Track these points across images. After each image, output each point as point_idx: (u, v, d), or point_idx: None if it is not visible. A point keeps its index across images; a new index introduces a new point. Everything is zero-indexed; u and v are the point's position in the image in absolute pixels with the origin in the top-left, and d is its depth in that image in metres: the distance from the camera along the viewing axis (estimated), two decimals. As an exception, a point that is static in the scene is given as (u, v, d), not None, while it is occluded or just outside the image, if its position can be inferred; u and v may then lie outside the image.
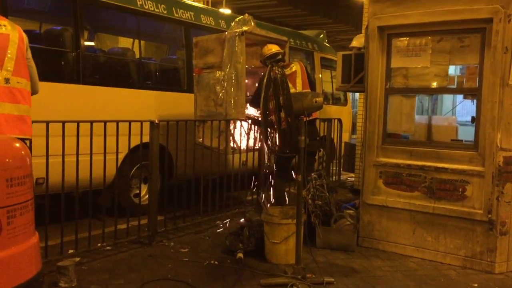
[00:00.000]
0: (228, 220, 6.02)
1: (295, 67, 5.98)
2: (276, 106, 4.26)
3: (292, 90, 5.32)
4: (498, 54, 4.41)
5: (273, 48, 5.96)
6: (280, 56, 5.88)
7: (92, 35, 6.97)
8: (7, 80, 2.93)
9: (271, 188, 5.90)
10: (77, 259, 4.40)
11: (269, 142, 5.71)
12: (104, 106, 5.85)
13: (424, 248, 4.87)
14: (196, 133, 6.12)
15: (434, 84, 4.98)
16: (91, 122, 4.53)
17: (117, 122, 4.78)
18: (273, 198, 5.91)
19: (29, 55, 3.19)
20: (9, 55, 2.93)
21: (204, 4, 11.62)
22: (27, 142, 3.15)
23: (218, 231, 5.64)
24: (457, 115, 5.89)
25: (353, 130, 11.53)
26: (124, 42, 7.98)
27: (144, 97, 6.47)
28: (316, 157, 6.57)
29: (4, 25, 2.99)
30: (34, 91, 3.36)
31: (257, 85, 6.03)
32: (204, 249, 4.98)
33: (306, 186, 5.13)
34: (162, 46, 8.59)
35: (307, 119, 4.25)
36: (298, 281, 3.98)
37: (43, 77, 5.41)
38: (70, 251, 4.48)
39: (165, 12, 6.88)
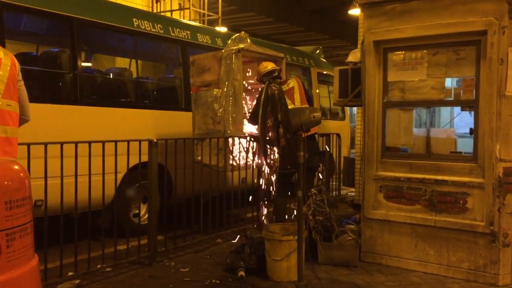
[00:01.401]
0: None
1: (292, 83, 6.00)
2: (275, 122, 4.27)
3: (290, 106, 5.33)
4: (493, 66, 4.43)
5: (269, 66, 5.99)
6: (276, 73, 5.91)
7: (89, 56, 7.01)
8: None
9: (272, 205, 5.87)
10: (77, 281, 4.36)
11: (268, 159, 5.71)
12: (102, 126, 5.85)
13: (427, 262, 4.84)
14: (195, 151, 6.12)
15: (431, 97, 4.99)
16: (89, 143, 4.53)
17: (116, 142, 4.77)
18: (273, 214, 5.89)
19: (20, 77, 3.22)
20: (0, 79, 2.99)
21: (200, 22, 11.70)
22: None
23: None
24: (455, 127, 5.90)
25: (352, 145, 11.54)
26: (121, 62, 8.02)
27: (142, 116, 6.48)
28: (316, 172, 6.55)
29: None
30: (25, 117, 3.31)
31: (255, 102, 6.04)
32: (205, 268, 4.94)
33: (306, 202, 5.11)
34: (159, 65, 8.64)
35: (306, 134, 4.25)
36: (301, 299, 3.94)
37: (41, 99, 5.50)
38: (70, 274, 4.45)
39: (162, 31, 6.93)
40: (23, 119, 3.27)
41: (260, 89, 5.91)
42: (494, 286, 4.46)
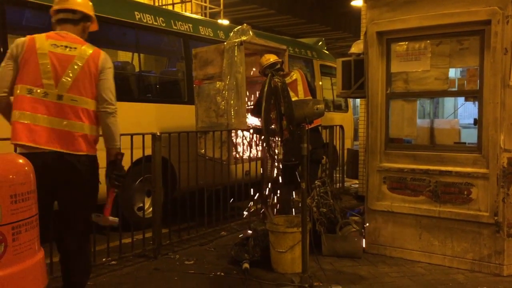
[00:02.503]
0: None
1: (295, 75, 5.99)
2: (278, 114, 4.26)
3: (294, 98, 5.33)
4: (498, 56, 4.41)
5: (271, 58, 5.98)
6: (278, 65, 5.90)
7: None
8: (60, 97, 3.08)
9: (276, 197, 5.88)
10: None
11: (272, 151, 5.71)
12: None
13: (431, 253, 4.84)
14: (198, 144, 6.12)
15: (435, 88, 4.97)
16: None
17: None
18: (278, 206, 5.89)
19: (104, 72, 3.31)
20: (66, 75, 3.10)
21: (202, 15, 11.68)
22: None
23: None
24: (459, 118, 5.88)
25: (355, 137, 11.52)
26: (124, 56, 8.01)
27: (145, 110, 6.48)
28: (320, 164, 6.54)
29: (74, 48, 3.17)
30: (102, 109, 3.30)
31: (258, 94, 6.04)
32: (210, 260, 4.95)
33: (310, 194, 5.11)
34: (161, 58, 8.63)
35: (309, 126, 4.24)
36: (306, 290, 3.95)
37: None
38: (76, 267, 4.46)
39: (164, 24, 6.91)
40: (105, 113, 3.28)
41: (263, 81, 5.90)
42: (498, 277, 4.47)
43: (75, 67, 3.13)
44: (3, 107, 3.16)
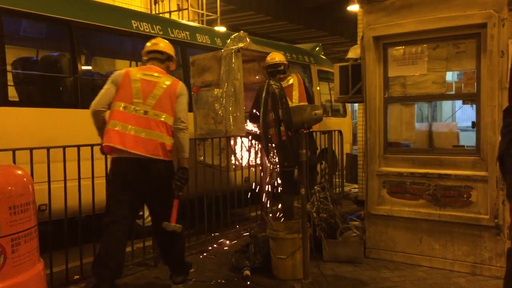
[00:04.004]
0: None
1: (292, 79, 6.00)
2: (276, 120, 4.26)
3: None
4: (494, 58, 4.42)
5: (277, 57, 5.96)
6: (281, 67, 5.89)
7: (89, 59, 7.01)
8: (146, 112, 3.85)
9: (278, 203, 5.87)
10: (83, 284, 4.36)
11: (270, 157, 5.70)
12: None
13: (432, 257, 4.83)
14: (197, 151, 6.11)
15: (433, 91, 4.98)
16: (92, 146, 4.53)
17: (118, 144, 4.77)
18: (280, 212, 5.88)
19: (181, 94, 4.03)
20: (152, 96, 3.89)
21: (199, 23, 11.70)
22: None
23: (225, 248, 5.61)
24: (457, 121, 5.88)
25: (354, 141, 11.52)
26: (121, 64, 8.01)
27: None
28: (318, 169, 6.54)
29: (159, 76, 3.99)
30: (177, 125, 3.97)
31: (255, 100, 6.03)
32: (210, 268, 4.94)
33: (310, 199, 5.11)
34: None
35: (307, 131, 4.24)
36: (307, 296, 3.94)
37: (43, 103, 5.50)
38: (76, 277, 4.45)
39: (161, 33, 6.92)
40: (177, 128, 3.97)
41: (259, 87, 5.91)
42: (499, 279, 4.44)
43: (159, 90, 3.92)
44: (101, 120, 3.92)
